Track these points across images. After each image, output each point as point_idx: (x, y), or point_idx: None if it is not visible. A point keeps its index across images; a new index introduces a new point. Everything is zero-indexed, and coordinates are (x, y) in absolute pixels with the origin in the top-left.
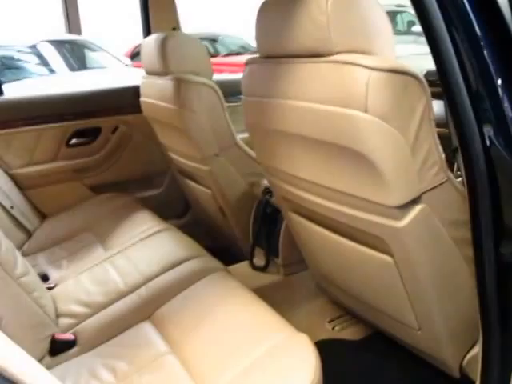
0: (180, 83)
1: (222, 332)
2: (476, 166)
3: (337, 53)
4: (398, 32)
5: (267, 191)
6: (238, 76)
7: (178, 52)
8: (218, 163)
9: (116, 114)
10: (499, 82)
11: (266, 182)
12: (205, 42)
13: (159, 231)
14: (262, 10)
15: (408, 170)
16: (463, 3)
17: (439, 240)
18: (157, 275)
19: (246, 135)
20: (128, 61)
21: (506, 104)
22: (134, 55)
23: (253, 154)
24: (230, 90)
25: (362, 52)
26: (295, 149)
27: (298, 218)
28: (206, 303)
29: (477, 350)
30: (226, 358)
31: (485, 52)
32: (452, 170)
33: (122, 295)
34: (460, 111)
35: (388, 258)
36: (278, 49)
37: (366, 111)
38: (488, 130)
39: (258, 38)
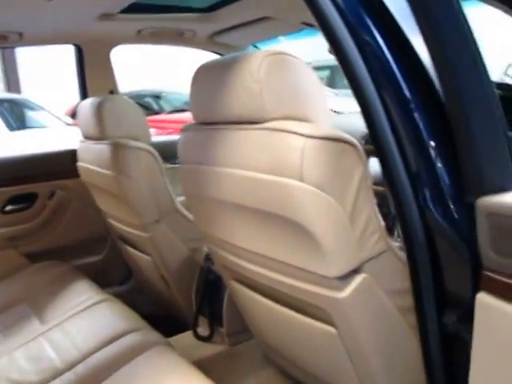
0: (117, 148)
1: None
2: (414, 235)
3: (271, 120)
4: (342, 86)
5: (209, 258)
6: (177, 137)
7: (114, 116)
8: (158, 230)
9: (53, 178)
10: (432, 144)
11: (206, 249)
12: (148, 99)
13: (98, 302)
14: (197, 77)
15: (347, 240)
16: (391, 67)
17: (383, 309)
18: (95, 351)
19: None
20: (69, 119)
21: (439, 169)
22: (76, 113)
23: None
24: (170, 152)
25: (297, 119)
26: (232, 217)
27: (239, 287)
28: (145, 381)
29: None
30: None
31: (415, 114)
32: (393, 235)
33: (57, 373)
34: (394, 179)
35: (331, 329)
36: (212, 115)
37: (301, 180)
38: (423, 198)
39: (193, 103)
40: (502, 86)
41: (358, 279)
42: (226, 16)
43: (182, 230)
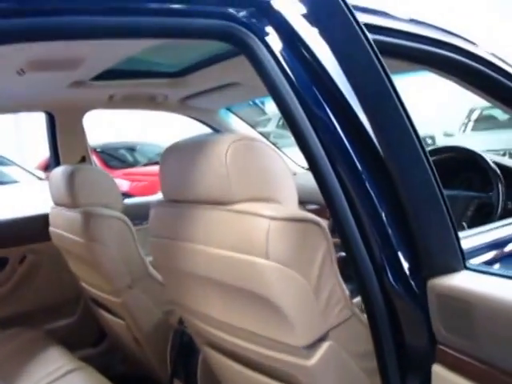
0: (89, 216)
1: None
2: (375, 304)
3: (237, 202)
4: None
5: (182, 321)
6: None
7: (86, 185)
8: (130, 295)
9: (24, 243)
10: (387, 220)
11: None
12: (123, 151)
13: (70, 371)
14: (167, 156)
15: (312, 311)
16: (344, 143)
17: (350, 373)
18: None
19: None
20: (41, 174)
21: (395, 244)
22: (47, 167)
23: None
24: (142, 213)
25: (263, 200)
26: (202, 289)
27: (212, 352)
28: None
29: None
30: None
31: (368, 187)
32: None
33: None
34: (353, 252)
35: None
36: (182, 194)
37: (267, 258)
38: (382, 271)
39: (163, 182)
40: (448, 149)
41: (325, 346)
42: (197, 81)
43: (154, 294)
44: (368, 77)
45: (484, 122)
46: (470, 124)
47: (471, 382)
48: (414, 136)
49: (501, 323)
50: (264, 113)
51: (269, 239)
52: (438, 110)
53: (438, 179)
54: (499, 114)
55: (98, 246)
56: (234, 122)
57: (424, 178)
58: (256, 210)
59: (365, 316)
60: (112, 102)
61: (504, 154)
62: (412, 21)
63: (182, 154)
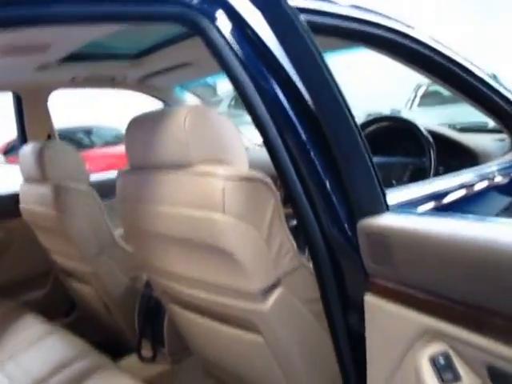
0: (59, 190)
1: None
2: (319, 253)
3: (196, 164)
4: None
5: (148, 285)
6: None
7: (54, 160)
8: (99, 262)
9: None
10: (326, 178)
11: (146, 276)
12: (80, 134)
13: (47, 333)
14: (131, 127)
15: (265, 259)
16: (288, 113)
17: (301, 316)
18: (47, 378)
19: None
20: (1, 157)
21: (334, 198)
22: (8, 150)
23: (131, 249)
24: (107, 189)
25: (218, 162)
26: (167, 247)
27: (177, 309)
28: None
29: None
30: None
31: (311, 152)
32: (304, 252)
33: None
34: (299, 206)
35: (259, 338)
36: (146, 161)
37: (224, 213)
38: (323, 221)
39: (128, 151)
40: (386, 118)
41: (277, 292)
42: (153, 62)
43: (121, 261)
44: (302, 53)
45: (430, 98)
46: (417, 100)
47: (394, 303)
48: (344, 105)
49: (415, 251)
50: (216, 94)
51: (224, 196)
52: (385, 86)
53: (365, 140)
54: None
55: (68, 217)
56: (188, 98)
57: (353, 139)
58: (212, 171)
59: (311, 266)
60: (75, 83)
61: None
62: (353, 6)
63: (145, 125)
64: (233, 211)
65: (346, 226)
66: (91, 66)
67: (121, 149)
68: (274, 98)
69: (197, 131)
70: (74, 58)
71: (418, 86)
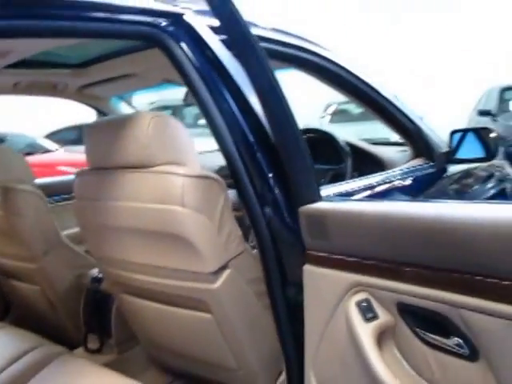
0: (6, 191)
1: None
2: (263, 239)
3: (157, 165)
4: (187, 125)
5: (96, 280)
6: (58, 178)
7: (1, 163)
8: (46, 260)
9: None
10: (270, 175)
11: (92, 272)
12: None
13: None
14: (90, 132)
15: (216, 244)
16: (240, 123)
17: (245, 295)
18: (1, 370)
19: (70, 231)
20: None
21: (276, 191)
22: None
23: (77, 248)
24: (52, 191)
25: (176, 163)
26: (126, 239)
27: (129, 298)
28: (62, 378)
29: (283, 376)
30: None
31: (258, 154)
32: (247, 241)
33: None
34: (248, 200)
35: (208, 316)
36: (108, 162)
37: (183, 206)
38: (268, 211)
39: (89, 153)
40: (310, 131)
41: (226, 273)
42: (96, 72)
43: (67, 260)
44: (257, 71)
45: (339, 116)
46: (328, 117)
47: (328, 268)
48: (290, 114)
49: (343, 226)
50: (132, 106)
51: (184, 192)
52: (299, 105)
53: (305, 143)
54: (353, 108)
55: (16, 217)
56: (123, 108)
57: (296, 142)
58: (173, 171)
59: (255, 251)
60: (16, 89)
61: None
62: (281, 31)
63: (107, 129)
64: (190, 204)
65: (286, 213)
66: (34, 73)
67: (33, 158)
68: (229, 110)
69: (159, 136)
70: (18, 64)
71: (328, 105)
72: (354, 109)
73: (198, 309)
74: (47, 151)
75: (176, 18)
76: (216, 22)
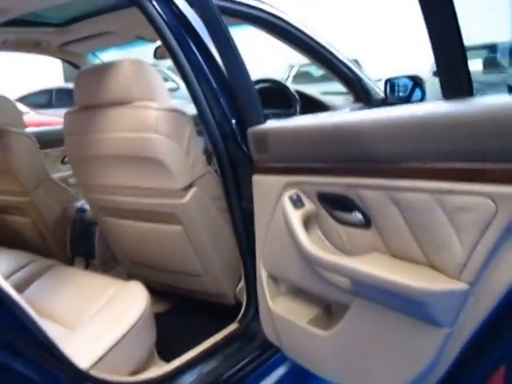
0: (2, 133)
1: (79, 292)
2: (223, 161)
3: (135, 101)
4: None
5: (81, 210)
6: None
7: None
8: (36, 194)
9: None
10: (227, 110)
11: (77, 205)
12: None
13: None
14: (81, 76)
15: (185, 165)
16: (204, 69)
17: (209, 209)
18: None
19: (56, 175)
20: None
21: (232, 121)
22: None
23: (63, 185)
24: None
25: (151, 99)
26: (108, 165)
27: (110, 220)
28: (59, 281)
29: (243, 282)
30: (82, 306)
31: (221, 99)
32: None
33: None
34: (211, 132)
35: (179, 228)
36: (92, 101)
37: (157, 133)
38: (225, 138)
39: (78, 94)
40: (265, 80)
41: (193, 190)
42: (76, 30)
43: (55, 194)
44: (213, 25)
45: (301, 78)
46: (290, 79)
47: (270, 175)
48: (239, 58)
49: (277, 139)
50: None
51: (158, 122)
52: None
53: (251, 80)
54: (314, 70)
55: (10, 155)
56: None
57: (246, 81)
58: (148, 105)
59: (215, 174)
60: (5, 46)
61: None
62: None
63: (94, 74)
64: (163, 132)
65: (239, 137)
66: (22, 31)
67: None
68: (194, 59)
69: (136, 77)
70: (8, 23)
71: (291, 67)
72: (315, 70)
73: (170, 222)
74: None
75: None
76: None
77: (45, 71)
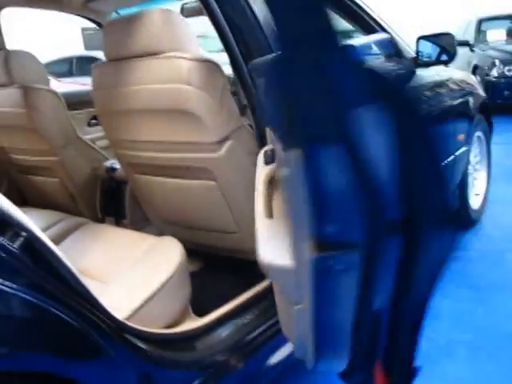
0: (27, 90)
1: (112, 247)
2: (258, 114)
3: (166, 51)
4: None
5: (110, 169)
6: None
7: (19, 65)
8: (65, 153)
9: None
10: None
11: (106, 164)
12: None
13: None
14: (109, 27)
15: (219, 118)
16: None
17: (244, 164)
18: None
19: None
20: None
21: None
22: None
23: (92, 144)
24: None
25: (181, 50)
26: (139, 120)
27: (141, 177)
28: (92, 237)
29: None
30: (116, 260)
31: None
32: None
33: None
34: (247, 87)
35: (212, 183)
36: (124, 52)
37: (189, 85)
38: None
39: (106, 46)
40: None
41: (228, 143)
42: None
43: (84, 153)
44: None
45: None
46: None
47: None
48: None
49: None
50: None
51: (190, 73)
52: None
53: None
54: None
55: (37, 113)
56: None
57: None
58: (180, 55)
59: (250, 128)
60: (29, 1)
61: None
62: None
63: (122, 25)
64: (195, 83)
65: None
66: None
67: None
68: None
69: (167, 27)
70: None
71: None
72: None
73: (204, 178)
74: None
75: None
76: None
77: (64, 40)
